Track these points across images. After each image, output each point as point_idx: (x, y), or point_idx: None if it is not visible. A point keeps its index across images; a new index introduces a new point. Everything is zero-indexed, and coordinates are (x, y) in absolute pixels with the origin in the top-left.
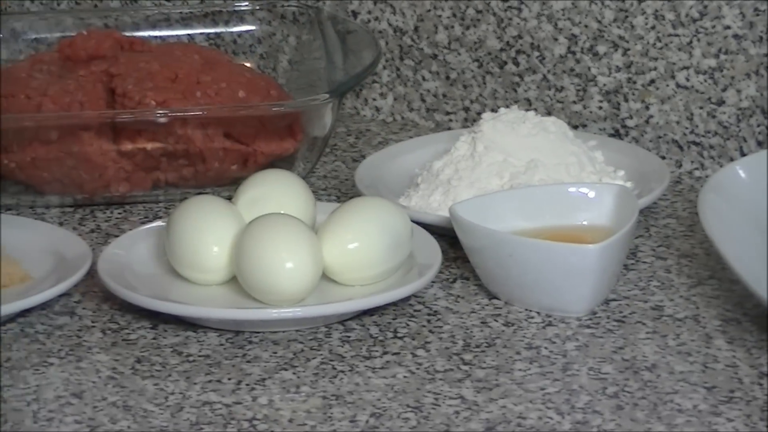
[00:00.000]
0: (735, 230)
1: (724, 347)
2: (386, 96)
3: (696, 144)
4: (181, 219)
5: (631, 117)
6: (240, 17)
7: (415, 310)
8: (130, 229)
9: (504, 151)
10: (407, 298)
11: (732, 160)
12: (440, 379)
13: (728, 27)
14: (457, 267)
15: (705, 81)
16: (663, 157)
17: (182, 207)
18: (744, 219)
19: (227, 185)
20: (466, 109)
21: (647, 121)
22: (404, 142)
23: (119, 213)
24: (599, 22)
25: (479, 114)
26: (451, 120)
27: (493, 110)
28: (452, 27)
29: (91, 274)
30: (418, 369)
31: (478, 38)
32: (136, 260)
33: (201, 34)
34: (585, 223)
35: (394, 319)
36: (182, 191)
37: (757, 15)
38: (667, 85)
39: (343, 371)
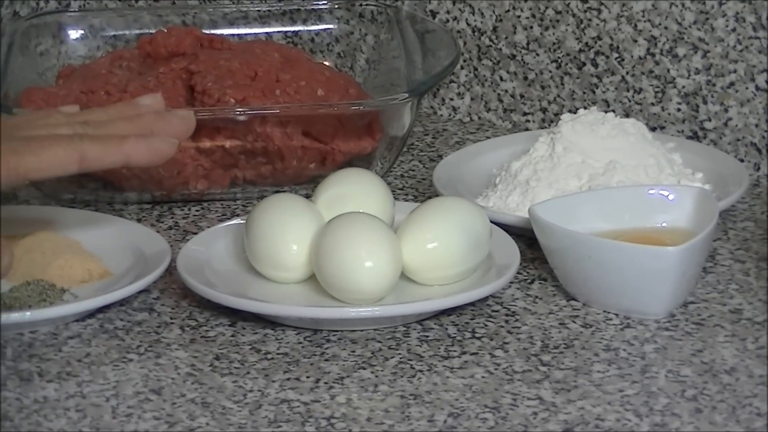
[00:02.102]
0: None
1: None
2: (463, 96)
3: None
4: (261, 217)
5: (709, 119)
6: (318, 16)
7: (493, 311)
8: (208, 227)
9: (583, 153)
10: (485, 299)
11: None
12: (518, 380)
13: None
14: (535, 268)
15: None
16: (741, 160)
17: (262, 205)
18: None
19: (305, 183)
20: (544, 110)
21: (726, 124)
22: (482, 142)
23: (197, 210)
24: (679, 24)
25: (557, 115)
26: (528, 121)
27: (572, 111)
28: (531, 27)
29: (170, 270)
30: (496, 369)
31: (556, 39)
32: (215, 257)
33: (279, 32)
34: (664, 225)
35: (472, 319)
36: (260, 189)
37: None
38: (747, 88)
39: (421, 371)
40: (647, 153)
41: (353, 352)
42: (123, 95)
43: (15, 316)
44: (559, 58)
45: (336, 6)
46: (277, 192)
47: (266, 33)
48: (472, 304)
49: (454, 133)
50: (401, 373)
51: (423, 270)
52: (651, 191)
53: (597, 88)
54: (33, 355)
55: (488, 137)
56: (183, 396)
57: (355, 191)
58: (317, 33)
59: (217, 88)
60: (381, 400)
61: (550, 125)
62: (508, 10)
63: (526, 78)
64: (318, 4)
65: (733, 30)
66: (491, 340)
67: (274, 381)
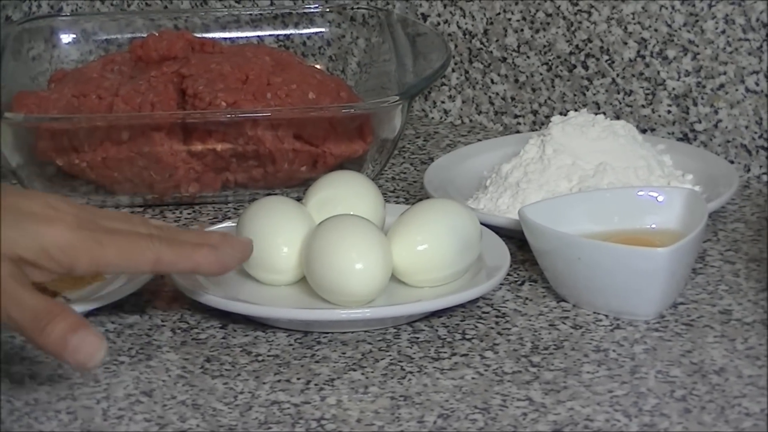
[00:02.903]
0: None
1: None
2: (455, 99)
3: (765, 149)
4: (252, 219)
5: (699, 121)
6: (309, 19)
7: (483, 312)
8: (199, 229)
9: (573, 155)
10: (475, 300)
11: None
12: (508, 381)
13: None
14: (525, 269)
15: None
16: (731, 162)
17: (253, 207)
18: None
19: (296, 186)
20: (535, 113)
21: (716, 126)
22: (473, 144)
23: (189, 213)
24: (669, 26)
25: (547, 117)
26: (519, 123)
27: (562, 114)
28: (522, 30)
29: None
30: (486, 370)
31: (547, 41)
32: None
33: (270, 35)
34: (654, 226)
35: (462, 320)
36: (251, 192)
37: None
38: (737, 90)
39: (411, 372)
40: (637, 155)
41: (344, 353)
42: (114, 99)
43: None
44: (549, 60)
45: (327, 10)
46: (269, 195)
47: (258, 37)
48: (463, 305)
49: (445, 136)
50: (391, 375)
51: (413, 272)
52: (641, 193)
53: (587, 90)
54: (24, 357)
55: (479, 140)
56: (174, 398)
57: (346, 194)
58: (309, 36)
59: (208, 92)
60: (371, 402)
61: (540, 127)
62: (499, 13)
63: (516, 80)
64: (309, 8)
65: (723, 32)
66: (481, 341)
67: (264, 383)
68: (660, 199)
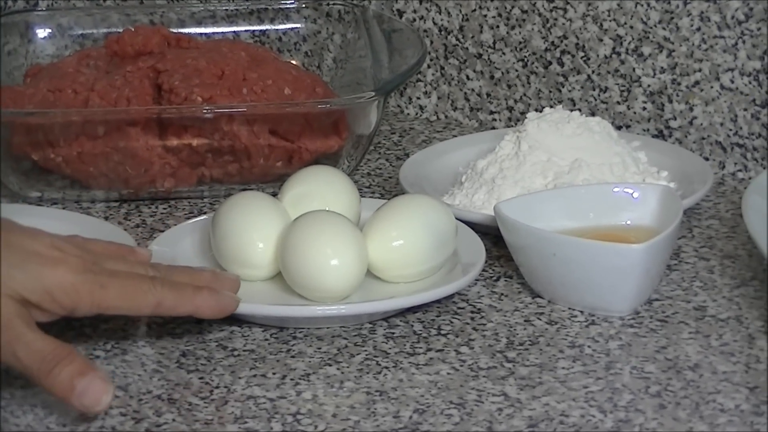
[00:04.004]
0: None
1: (766, 348)
2: (430, 95)
3: (739, 146)
4: (227, 215)
5: (675, 118)
6: (285, 15)
7: (458, 308)
8: (175, 225)
9: (548, 151)
10: (451, 296)
11: None
12: (483, 377)
13: None
14: (500, 265)
15: (750, 83)
16: (706, 159)
17: (228, 203)
18: None
19: (272, 182)
20: (510, 109)
21: (691, 123)
22: (449, 140)
23: (164, 208)
24: (645, 23)
25: (523, 114)
26: (494, 119)
27: (538, 110)
28: (497, 27)
29: None
30: (461, 366)
31: (523, 38)
32: (181, 255)
33: (246, 31)
34: (629, 223)
35: (437, 316)
36: (227, 187)
37: None
38: (712, 87)
39: (386, 367)
40: (612, 151)
41: (319, 348)
42: (90, 94)
43: None
44: (525, 57)
45: (303, 5)
46: (244, 190)
47: (233, 32)
48: (438, 301)
49: (421, 132)
50: (367, 370)
51: (389, 267)
52: (616, 189)
53: (563, 87)
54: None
55: (454, 136)
56: (149, 392)
57: (322, 189)
58: (284, 32)
59: (184, 87)
60: (347, 397)
61: (516, 124)
62: (475, 10)
63: (492, 77)
64: (285, 4)
65: (698, 29)
66: (457, 337)
67: (240, 377)
68: (635, 195)
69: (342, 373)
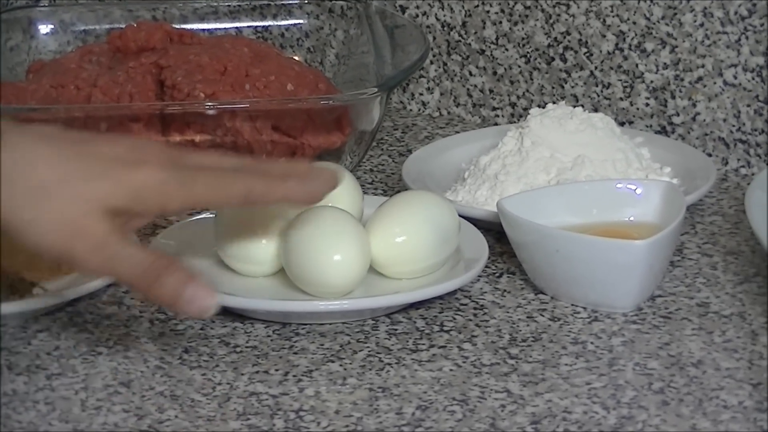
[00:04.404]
0: None
1: None
2: (433, 91)
3: (742, 142)
4: (230, 211)
5: (677, 114)
6: (288, 11)
7: (461, 304)
8: (178, 220)
9: (551, 147)
10: (454, 292)
11: None
12: (486, 373)
13: None
14: (503, 261)
15: (753, 79)
16: (709, 155)
17: None
18: None
19: None
20: (513, 105)
21: (694, 119)
22: (451, 136)
23: None
24: (648, 19)
25: (526, 110)
26: (497, 116)
27: (540, 106)
28: (500, 23)
29: None
30: (464, 362)
31: (525, 34)
32: (184, 251)
33: (249, 27)
34: (632, 219)
35: (440, 312)
36: None
37: None
38: (715, 83)
39: (389, 364)
40: (615, 147)
41: (322, 345)
42: (93, 90)
43: None
44: (528, 53)
45: (306, 1)
46: None
47: (236, 28)
48: (441, 297)
49: (424, 128)
50: (369, 366)
51: (391, 264)
52: (619, 185)
53: (566, 83)
54: (2, 348)
55: (457, 132)
56: (152, 389)
57: None
58: (287, 28)
59: (186, 83)
60: (349, 393)
61: (518, 120)
62: (477, 5)
63: (495, 73)
64: (288, 0)
65: (701, 25)
66: (459, 333)
67: (242, 374)
68: (638, 191)
69: (345, 369)
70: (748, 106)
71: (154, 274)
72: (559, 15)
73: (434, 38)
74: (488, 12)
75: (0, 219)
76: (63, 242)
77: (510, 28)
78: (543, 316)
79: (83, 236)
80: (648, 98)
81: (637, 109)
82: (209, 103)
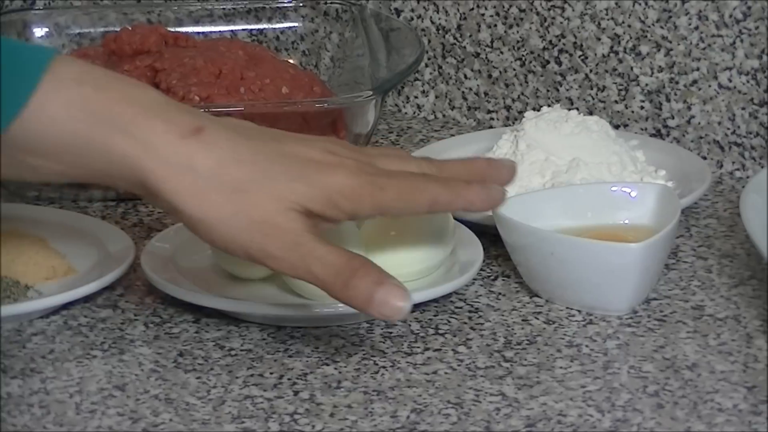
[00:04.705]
0: None
1: (764, 347)
2: (428, 94)
3: (737, 145)
4: None
5: (672, 117)
6: (283, 14)
7: (456, 307)
8: (173, 224)
9: (546, 150)
10: (449, 295)
11: None
12: (481, 376)
13: None
14: (498, 265)
15: (748, 82)
16: (704, 158)
17: None
18: None
19: None
20: (508, 108)
21: (689, 122)
22: (446, 139)
23: None
24: (642, 22)
25: (521, 113)
26: (492, 119)
27: (535, 109)
28: (495, 26)
29: (134, 267)
30: (459, 365)
31: (520, 37)
32: (179, 254)
33: (243, 30)
34: (626, 222)
35: (435, 315)
36: None
37: None
38: (710, 86)
39: (384, 367)
40: (610, 150)
41: (316, 348)
42: None
43: None
44: (523, 56)
45: (301, 4)
46: None
47: (231, 31)
48: (436, 300)
49: (419, 131)
50: (364, 369)
51: (386, 267)
52: (614, 188)
53: (561, 86)
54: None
55: (452, 135)
56: (147, 392)
57: None
58: (282, 31)
59: (181, 86)
60: (344, 396)
61: (513, 123)
62: (472, 9)
63: (490, 76)
64: (283, 3)
65: (696, 28)
66: (454, 336)
67: (237, 377)
68: (633, 194)
69: (339, 372)
70: (743, 109)
71: (348, 275)
72: (554, 18)
73: (429, 41)
74: (483, 15)
75: (186, 216)
76: (260, 239)
77: (505, 31)
78: (538, 319)
79: (279, 234)
80: (643, 101)
81: (632, 112)
82: (204, 107)
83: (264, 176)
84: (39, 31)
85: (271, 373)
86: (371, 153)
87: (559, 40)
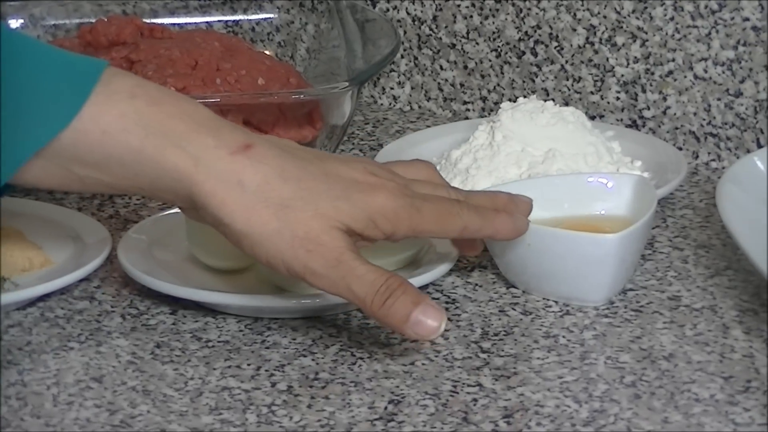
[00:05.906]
0: (752, 221)
1: (741, 337)
2: (404, 85)
3: (713, 135)
4: None
5: (648, 108)
6: (258, 5)
7: (433, 298)
8: (149, 215)
9: (522, 141)
10: (425, 286)
11: (749, 151)
12: (459, 367)
13: (747, 19)
14: (475, 256)
15: (723, 72)
16: (680, 149)
17: None
18: (761, 210)
19: None
20: (484, 99)
21: (665, 113)
22: (422, 131)
23: (138, 199)
24: (618, 12)
25: (497, 104)
26: (468, 110)
27: (512, 100)
28: (471, 17)
29: (111, 259)
30: (436, 357)
31: (496, 28)
32: (156, 246)
33: (219, 21)
34: (603, 212)
35: None
36: None
37: None
38: (685, 77)
39: (361, 358)
40: (586, 141)
41: (294, 339)
42: None
43: None
44: (498, 47)
45: None
46: None
47: (207, 22)
48: None
49: (395, 122)
50: (342, 361)
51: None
52: (590, 179)
53: (536, 77)
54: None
55: (428, 126)
56: (124, 384)
57: None
58: (258, 22)
59: (157, 77)
60: (322, 388)
61: (489, 114)
62: (448, 0)
63: (466, 67)
64: None
65: (672, 19)
66: None
67: (215, 369)
68: (609, 185)
69: (317, 364)
70: (719, 99)
71: (385, 295)
72: (529, 9)
73: (405, 32)
74: (459, 6)
75: (232, 230)
76: (303, 255)
77: (481, 22)
78: (515, 310)
79: (323, 251)
80: (619, 92)
81: (608, 102)
82: None
83: (309, 194)
84: (14, 23)
85: (249, 365)
86: (405, 174)
87: (535, 31)
